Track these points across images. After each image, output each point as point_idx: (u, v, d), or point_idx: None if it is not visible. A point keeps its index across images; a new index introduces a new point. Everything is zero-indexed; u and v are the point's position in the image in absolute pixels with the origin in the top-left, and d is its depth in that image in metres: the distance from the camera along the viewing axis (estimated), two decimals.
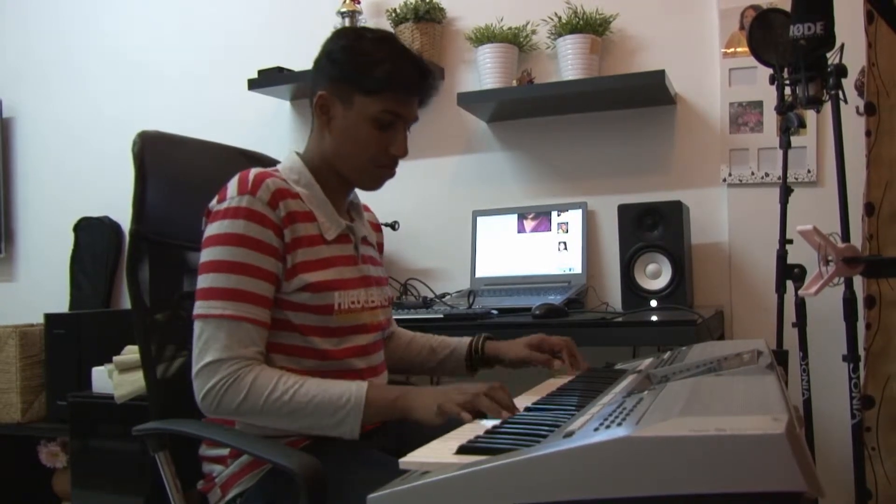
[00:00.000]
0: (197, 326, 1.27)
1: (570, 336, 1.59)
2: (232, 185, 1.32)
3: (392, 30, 2.68)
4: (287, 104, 2.97)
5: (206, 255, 1.29)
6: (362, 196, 1.56)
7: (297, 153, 1.45)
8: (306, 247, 1.34)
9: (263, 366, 1.26)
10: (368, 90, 1.35)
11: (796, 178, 2.30)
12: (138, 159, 1.42)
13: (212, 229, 1.30)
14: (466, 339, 1.65)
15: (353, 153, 1.40)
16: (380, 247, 1.64)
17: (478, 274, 2.59)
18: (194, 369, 1.25)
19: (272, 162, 1.66)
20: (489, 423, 1.06)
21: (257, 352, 1.27)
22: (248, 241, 1.28)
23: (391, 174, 1.45)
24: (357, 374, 1.39)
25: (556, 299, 2.19)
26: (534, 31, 2.63)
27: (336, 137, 1.40)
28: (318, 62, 1.43)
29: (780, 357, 1.97)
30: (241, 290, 1.26)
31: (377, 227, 1.65)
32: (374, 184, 1.45)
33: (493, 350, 1.61)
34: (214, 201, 1.33)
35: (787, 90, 1.93)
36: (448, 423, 1.11)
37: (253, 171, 1.33)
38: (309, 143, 1.46)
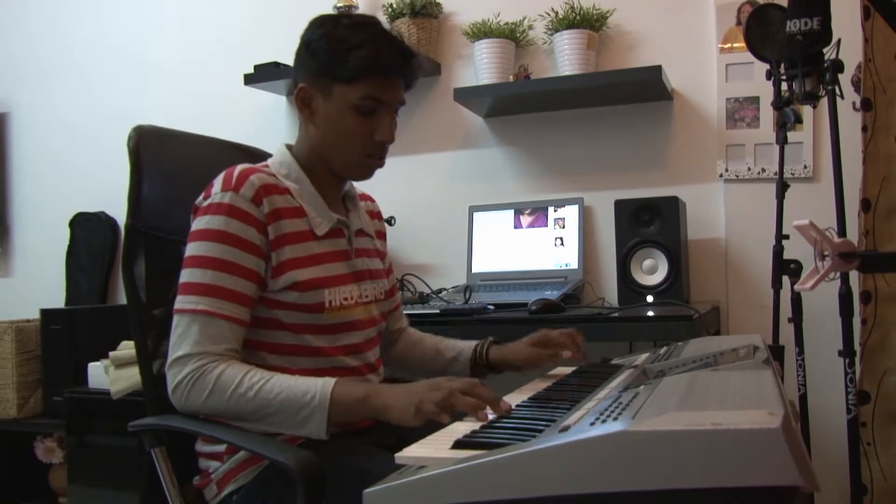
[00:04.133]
0: (174, 320, 1.27)
1: None
2: (217, 182, 1.31)
3: (388, 25, 2.67)
4: (283, 99, 2.96)
5: (188, 250, 1.30)
6: (362, 186, 1.55)
7: (288, 146, 1.44)
8: (294, 243, 1.33)
9: (232, 361, 1.25)
10: (345, 78, 1.33)
11: (793, 174, 2.30)
12: (134, 154, 1.42)
13: (195, 225, 1.31)
14: (473, 343, 1.60)
15: (339, 144, 1.38)
16: (379, 234, 1.61)
17: (474, 269, 2.59)
18: (167, 363, 1.25)
19: (267, 157, 1.65)
20: (471, 423, 1.03)
21: (228, 349, 1.26)
22: (229, 237, 1.27)
23: (380, 163, 1.42)
24: (352, 372, 1.38)
25: (552, 295, 2.19)
26: (530, 27, 2.63)
27: (320, 129, 1.38)
28: (297, 54, 1.40)
29: (776, 352, 1.97)
30: (219, 287, 1.26)
31: (377, 215, 1.63)
32: (363, 174, 1.43)
33: (497, 355, 1.55)
34: (201, 198, 1.33)
35: (784, 86, 1.93)
36: (431, 423, 1.09)
37: (238, 168, 1.32)
38: (298, 137, 1.44)
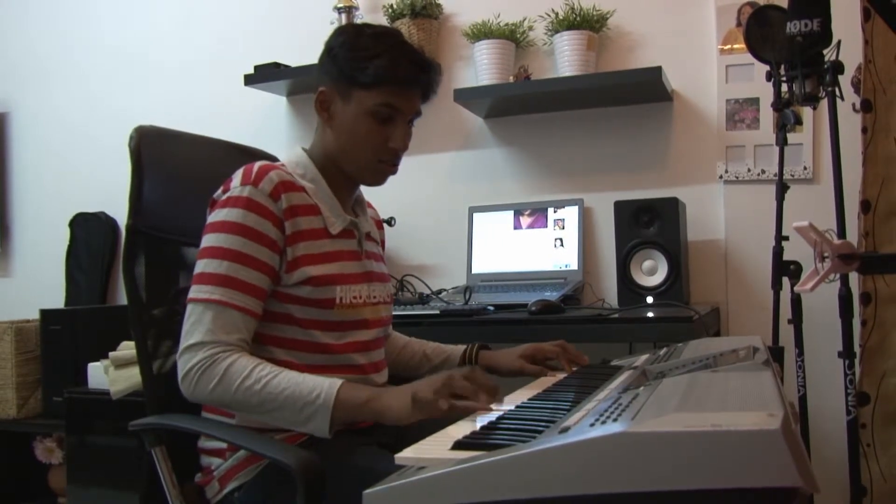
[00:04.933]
0: (187, 309, 1.29)
1: (567, 332, 1.58)
2: (236, 176, 1.33)
3: (388, 25, 2.67)
4: (283, 100, 2.96)
5: (204, 241, 1.31)
6: (366, 190, 1.56)
7: (304, 149, 1.46)
8: (309, 240, 1.35)
9: (243, 353, 1.26)
10: (365, 84, 1.35)
11: (792, 175, 2.30)
12: (135, 154, 1.42)
13: (212, 217, 1.32)
14: (461, 347, 1.65)
15: (353, 147, 1.40)
16: (382, 244, 1.65)
17: (474, 270, 2.59)
18: (178, 350, 1.26)
19: (269, 157, 1.66)
20: (481, 420, 1.04)
21: (240, 339, 1.27)
22: (246, 230, 1.29)
23: (393, 170, 1.45)
24: (358, 370, 1.40)
25: (552, 296, 2.19)
26: (531, 28, 2.63)
27: (337, 132, 1.40)
28: (320, 59, 1.43)
29: (776, 353, 1.97)
30: (233, 278, 1.27)
31: (379, 223, 1.66)
32: (375, 179, 1.45)
33: (486, 360, 1.61)
34: (219, 191, 1.35)
35: (784, 87, 1.93)
36: (432, 423, 1.08)
37: (258, 164, 1.35)
38: (314, 140, 1.47)
